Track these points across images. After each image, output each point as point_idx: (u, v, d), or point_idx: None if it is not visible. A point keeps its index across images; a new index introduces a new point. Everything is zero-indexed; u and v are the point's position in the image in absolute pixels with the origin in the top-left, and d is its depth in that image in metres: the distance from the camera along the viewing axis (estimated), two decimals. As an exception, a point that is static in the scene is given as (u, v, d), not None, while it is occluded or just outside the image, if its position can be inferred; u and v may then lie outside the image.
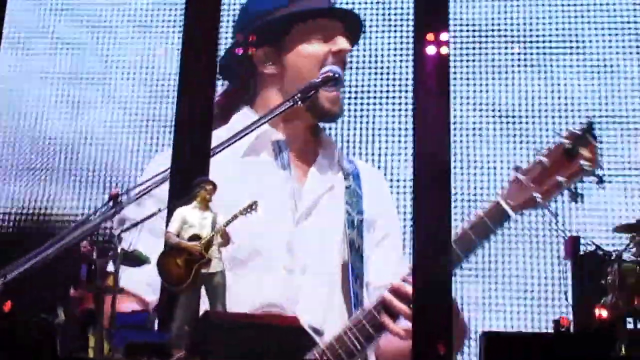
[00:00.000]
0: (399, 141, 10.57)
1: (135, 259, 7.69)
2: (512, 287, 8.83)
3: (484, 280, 8.89)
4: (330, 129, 10.59)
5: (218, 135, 9.09)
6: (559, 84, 9.94)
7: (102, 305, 7.12)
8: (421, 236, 6.93)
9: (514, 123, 9.84)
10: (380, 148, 10.57)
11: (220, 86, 10.65)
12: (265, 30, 10.39)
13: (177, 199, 7.34)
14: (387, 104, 10.77)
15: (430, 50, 8.23)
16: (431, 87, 8.24)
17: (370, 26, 11.24)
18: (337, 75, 9.87)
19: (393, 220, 9.32)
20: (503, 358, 5.31)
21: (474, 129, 10.06)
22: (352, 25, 10.46)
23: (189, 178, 7.41)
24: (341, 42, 10.26)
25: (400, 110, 10.64)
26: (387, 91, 10.86)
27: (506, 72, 10.23)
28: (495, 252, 8.90)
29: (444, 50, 8.10)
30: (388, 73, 10.99)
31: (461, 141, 10.11)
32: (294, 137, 9.39)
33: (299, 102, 9.63)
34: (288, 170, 9.22)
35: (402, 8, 11.07)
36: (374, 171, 10.41)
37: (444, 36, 7.94)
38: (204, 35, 9.76)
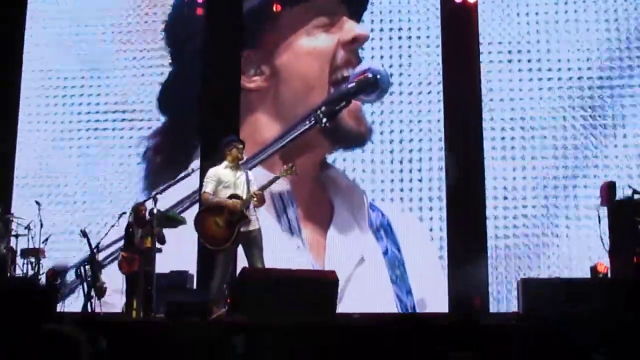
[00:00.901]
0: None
1: (172, 220, 7.82)
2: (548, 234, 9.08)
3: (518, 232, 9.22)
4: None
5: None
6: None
7: (142, 266, 7.27)
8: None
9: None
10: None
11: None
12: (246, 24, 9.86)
13: (207, 159, 7.42)
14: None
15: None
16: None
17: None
18: (378, 77, 9.39)
19: None
20: (540, 303, 5.30)
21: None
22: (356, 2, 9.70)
23: (217, 138, 7.52)
24: (351, 28, 9.46)
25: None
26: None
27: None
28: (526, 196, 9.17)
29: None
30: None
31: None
32: (301, 182, 8.65)
33: (324, 121, 9.56)
34: (298, 238, 9.01)
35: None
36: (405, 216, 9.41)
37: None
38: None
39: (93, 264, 8.12)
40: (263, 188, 6.91)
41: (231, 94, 9.58)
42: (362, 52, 9.87)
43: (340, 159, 9.86)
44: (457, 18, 9.33)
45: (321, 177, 9.59)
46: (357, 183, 9.65)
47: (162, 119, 10.32)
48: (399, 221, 9.31)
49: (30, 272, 8.43)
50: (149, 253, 7.27)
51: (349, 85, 9.45)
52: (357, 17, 9.79)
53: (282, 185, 8.65)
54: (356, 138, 9.61)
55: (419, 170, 9.45)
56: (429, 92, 9.69)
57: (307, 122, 9.00)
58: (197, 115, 9.92)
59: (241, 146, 7.04)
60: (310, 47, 9.72)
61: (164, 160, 10.04)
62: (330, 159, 9.84)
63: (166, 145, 10.16)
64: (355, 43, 9.71)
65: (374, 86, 9.44)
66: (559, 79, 9.41)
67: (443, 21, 9.37)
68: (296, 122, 8.10)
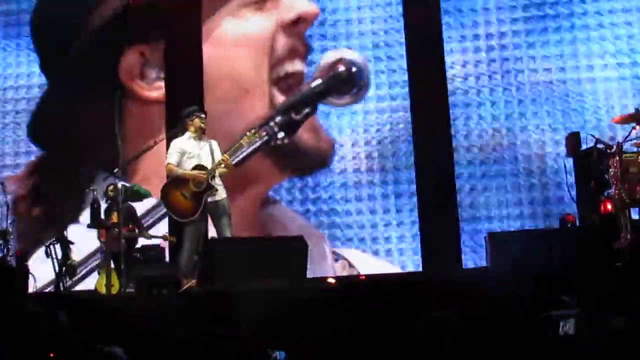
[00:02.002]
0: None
1: (136, 194, 7.74)
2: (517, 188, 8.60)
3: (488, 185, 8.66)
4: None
5: None
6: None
7: (110, 242, 7.20)
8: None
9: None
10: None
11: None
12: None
13: (173, 125, 7.18)
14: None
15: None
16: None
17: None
18: (354, 70, 6.80)
19: None
20: (509, 255, 5.32)
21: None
22: None
23: (183, 105, 7.32)
24: (292, 3, 7.44)
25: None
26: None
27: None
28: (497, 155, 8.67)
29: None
30: None
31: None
32: (234, 225, 6.57)
33: (280, 136, 6.64)
34: None
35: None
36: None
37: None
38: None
39: (62, 242, 8.07)
40: (229, 155, 6.82)
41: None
42: (320, 31, 7.84)
43: (285, 190, 8.07)
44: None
45: (261, 217, 8.01)
46: (311, 223, 7.93)
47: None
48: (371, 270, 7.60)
49: (-1, 254, 8.33)
50: (116, 229, 7.19)
51: (314, 84, 7.81)
52: None
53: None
54: (315, 159, 7.91)
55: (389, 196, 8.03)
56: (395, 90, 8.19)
57: (257, 140, 7.01)
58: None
59: (203, 116, 6.96)
60: (238, 33, 7.96)
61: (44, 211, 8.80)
62: (272, 189, 8.01)
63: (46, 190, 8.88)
64: (300, 24, 8.02)
65: (350, 83, 7.74)
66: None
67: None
68: (235, 146, 6.44)
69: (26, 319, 2.75)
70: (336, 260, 7.76)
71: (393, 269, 7.95)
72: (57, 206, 8.89)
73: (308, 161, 7.84)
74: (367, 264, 7.86)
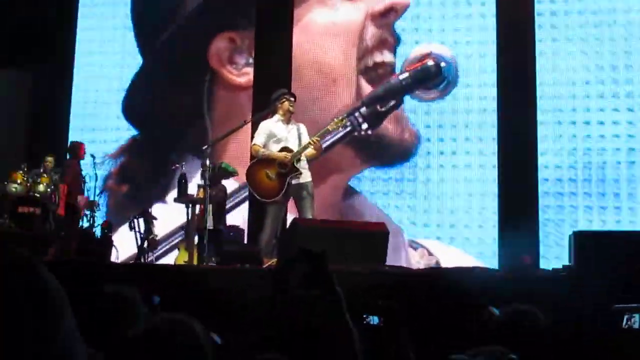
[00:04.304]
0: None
1: (223, 172, 7.89)
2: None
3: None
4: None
5: None
6: None
7: (192, 217, 7.38)
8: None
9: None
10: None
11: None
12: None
13: (259, 109, 7.31)
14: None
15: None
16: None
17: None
18: (442, 65, 6.75)
19: None
20: (596, 256, 5.25)
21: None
22: None
23: (270, 88, 7.47)
24: None
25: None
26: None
27: None
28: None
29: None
30: None
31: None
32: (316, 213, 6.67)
33: (364, 127, 6.62)
34: None
35: None
36: None
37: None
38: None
39: (146, 216, 8.30)
40: (318, 137, 6.87)
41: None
42: (413, 24, 7.77)
43: (369, 181, 8.07)
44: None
45: (341, 207, 8.02)
46: (390, 216, 7.87)
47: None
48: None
49: (86, 224, 8.63)
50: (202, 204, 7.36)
51: (402, 77, 7.72)
52: None
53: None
54: (398, 151, 7.87)
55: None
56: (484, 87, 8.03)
57: (340, 129, 7.13)
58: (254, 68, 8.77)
59: (292, 99, 7.03)
60: (327, 23, 7.94)
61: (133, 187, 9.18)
62: (353, 181, 7.97)
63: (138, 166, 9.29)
64: (390, 15, 7.99)
65: (437, 78, 7.61)
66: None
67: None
68: (322, 130, 6.43)
69: (124, 306, 2.73)
70: (415, 248, 7.78)
71: (470, 259, 7.91)
72: (144, 184, 9.14)
73: (391, 153, 7.81)
74: (445, 252, 7.85)
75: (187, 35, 9.24)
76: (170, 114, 9.27)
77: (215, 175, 7.50)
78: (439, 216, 8.05)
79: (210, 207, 7.13)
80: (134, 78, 9.53)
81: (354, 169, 8.12)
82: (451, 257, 7.67)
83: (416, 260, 7.82)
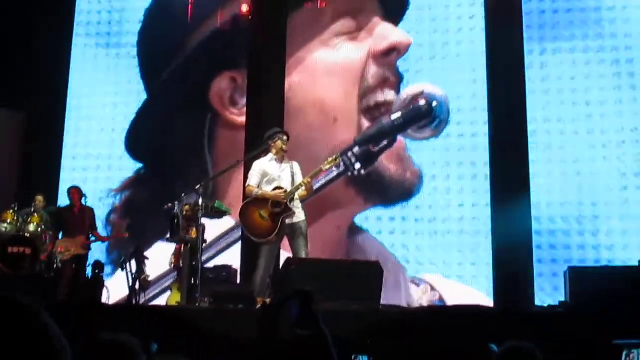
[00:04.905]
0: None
1: (217, 211, 7.85)
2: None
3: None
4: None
5: None
6: None
7: (186, 256, 7.32)
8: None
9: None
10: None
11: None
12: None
13: (252, 149, 7.30)
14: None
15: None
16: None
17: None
18: (434, 104, 6.80)
19: None
20: (590, 291, 5.22)
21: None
22: None
23: (264, 127, 7.45)
24: (386, 32, 7.32)
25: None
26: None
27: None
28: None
29: None
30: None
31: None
32: (321, 250, 7.21)
33: (357, 167, 6.68)
34: None
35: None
36: None
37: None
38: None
39: (138, 256, 8.22)
40: (310, 178, 6.86)
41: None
42: (404, 66, 7.82)
43: (375, 219, 8.02)
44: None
45: (346, 244, 7.98)
46: (392, 253, 7.88)
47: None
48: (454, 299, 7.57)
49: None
50: (195, 244, 7.30)
51: (394, 117, 7.74)
52: (395, 16, 7.93)
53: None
54: (400, 189, 7.83)
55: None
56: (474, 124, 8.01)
57: (334, 169, 7.28)
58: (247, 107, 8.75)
59: (285, 138, 7.01)
60: (329, 62, 7.95)
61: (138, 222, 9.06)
62: (359, 218, 7.98)
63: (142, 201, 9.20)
64: (392, 54, 8.00)
65: (429, 117, 7.62)
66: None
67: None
68: (316, 170, 6.40)
69: (123, 356, 2.69)
70: (418, 285, 7.72)
71: (476, 294, 7.87)
72: (143, 221, 9.10)
73: (393, 192, 7.76)
74: (449, 287, 7.82)
75: (189, 73, 9.27)
76: (173, 151, 9.29)
77: (207, 214, 7.46)
78: (439, 253, 8.02)
79: (202, 246, 7.09)
80: (137, 113, 9.51)
81: (358, 207, 8.03)
82: (454, 291, 7.60)
83: (419, 297, 7.74)
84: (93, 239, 8.29)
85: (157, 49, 9.59)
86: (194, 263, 7.37)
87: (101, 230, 8.78)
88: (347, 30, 8.01)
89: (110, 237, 8.92)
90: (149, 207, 9.14)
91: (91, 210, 8.43)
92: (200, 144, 8.66)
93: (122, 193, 9.43)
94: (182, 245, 7.46)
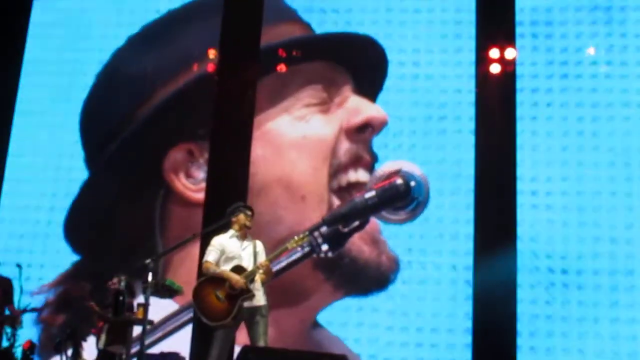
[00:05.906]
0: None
1: (167, 290, 7.13)
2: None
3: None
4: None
5: None
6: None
7: (129, 337, 6.58)
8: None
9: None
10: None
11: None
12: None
13: (212, 224, 6.53)
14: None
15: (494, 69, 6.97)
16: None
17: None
18: (412, 184, 6.32)
19: None
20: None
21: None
22: (368, 67, 7.09)
23: (225, 203, 6.80)
24: (359, 106, 6.96)
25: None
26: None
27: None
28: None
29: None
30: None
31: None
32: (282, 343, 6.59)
33: (324, 248, 6.21)
34: None
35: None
36: None
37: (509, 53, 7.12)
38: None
39: (74, 338, 7.49)
40: (269, 260, 6.27)
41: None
42: (381, 142, 7.27)
43: (340, 309, 7.32)
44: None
45: (306, 339, 7.28)
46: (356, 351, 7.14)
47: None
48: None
49: (5, 343, 7.73)
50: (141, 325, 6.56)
51: (368, 195, 7.15)
52: (371, 90, 7.34)
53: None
54: (374, 277, 7.20)
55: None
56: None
57: (298, 249, 6.78)
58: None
59: (249, 212, 6.41)
60: (296, 136, 7.44)
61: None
62: (321, 315, 7.26)
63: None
64: (367, 131, 7.46)
65: (406, 198, 7.14)
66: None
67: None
68: (280, 249, 5.83)
69: None
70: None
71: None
72: (82, 311, 8.20)
73: (366, 279, 7.13)
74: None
75: (141, 144, 8.54)
76: (119, 233, 8.41)
77: (157, 292, 6.76)
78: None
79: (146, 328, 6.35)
80: (77, 193, 8.65)
81: (326, 298, 7.30)
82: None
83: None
84: (8, 313, 7.50)
85: (103, 117, 8.74)
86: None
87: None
88: (317, 101, 7.51)
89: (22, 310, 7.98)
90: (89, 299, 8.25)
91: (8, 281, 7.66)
92: (150, 225, 7.86)
93: (57, 288, 8.51)
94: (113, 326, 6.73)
